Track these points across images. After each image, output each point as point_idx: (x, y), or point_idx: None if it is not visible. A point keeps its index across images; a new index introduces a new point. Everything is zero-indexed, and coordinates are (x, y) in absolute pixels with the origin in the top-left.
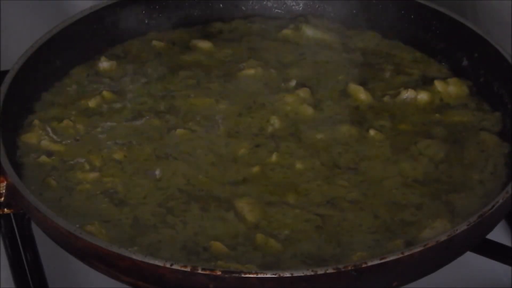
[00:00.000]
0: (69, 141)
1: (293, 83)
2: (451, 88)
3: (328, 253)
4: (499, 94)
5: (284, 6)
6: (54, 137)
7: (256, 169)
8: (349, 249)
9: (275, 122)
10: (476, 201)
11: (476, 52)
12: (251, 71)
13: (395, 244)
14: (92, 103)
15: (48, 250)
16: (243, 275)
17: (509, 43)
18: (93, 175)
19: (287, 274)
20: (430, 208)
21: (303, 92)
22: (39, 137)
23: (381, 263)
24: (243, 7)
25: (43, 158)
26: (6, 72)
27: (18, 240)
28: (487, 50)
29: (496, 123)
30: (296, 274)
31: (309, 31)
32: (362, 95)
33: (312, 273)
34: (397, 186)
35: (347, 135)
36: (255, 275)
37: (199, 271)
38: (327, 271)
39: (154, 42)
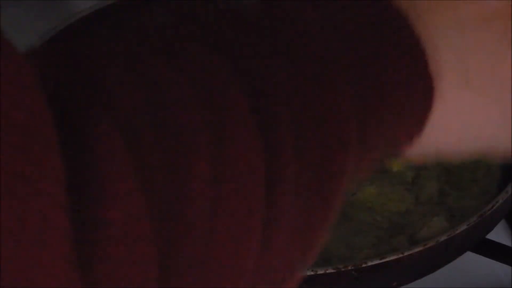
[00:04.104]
0: None
1: None
2: None
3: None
4: None
5: None
6: None
7: None
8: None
9: None
10: (471, 198)
11: None
12: None
13: (398, 241)
14: None
15: None
16: None
17: None
18: None
19: None
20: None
21: None
22: None
23: (381, 263)
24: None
25: None
26: None
27: None
28: None
29: None
30: None
31: None
32: None
33: (312, 273)
34: None
35: None
36: None
37: None
38: (327, 271)
39: None
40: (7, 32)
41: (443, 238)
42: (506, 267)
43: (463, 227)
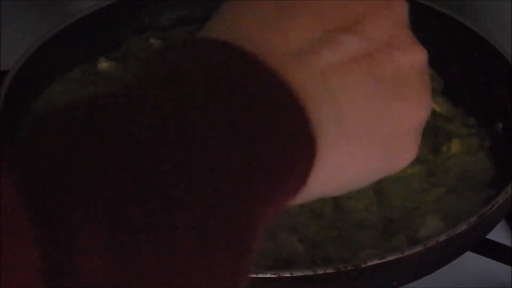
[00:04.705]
0: None
1: None
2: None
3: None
4: (499, 94)
5: None
6: None
7: None
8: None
9: None
10: (462, 200)
11: (476, 52)
12: None
13: (398, 241)
14: None
15: None
16: None
17: (509, 43)
18: None
19: (287, 274)
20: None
21: None
22: None
23: (381, 263)
24: None
25: None
26: (6, 72)
27: None
28: (487, 50)
29: (480, 132)
30: (296, 274)
31: None
32: None
33: (312, 273)
34: None
35: None
36: (254, 275)
37: None
38: (327, 271)
39: (152, 41)
40: (7, 32)
41: (443, 238)
42: (506, 267)
43: (463, 227)
